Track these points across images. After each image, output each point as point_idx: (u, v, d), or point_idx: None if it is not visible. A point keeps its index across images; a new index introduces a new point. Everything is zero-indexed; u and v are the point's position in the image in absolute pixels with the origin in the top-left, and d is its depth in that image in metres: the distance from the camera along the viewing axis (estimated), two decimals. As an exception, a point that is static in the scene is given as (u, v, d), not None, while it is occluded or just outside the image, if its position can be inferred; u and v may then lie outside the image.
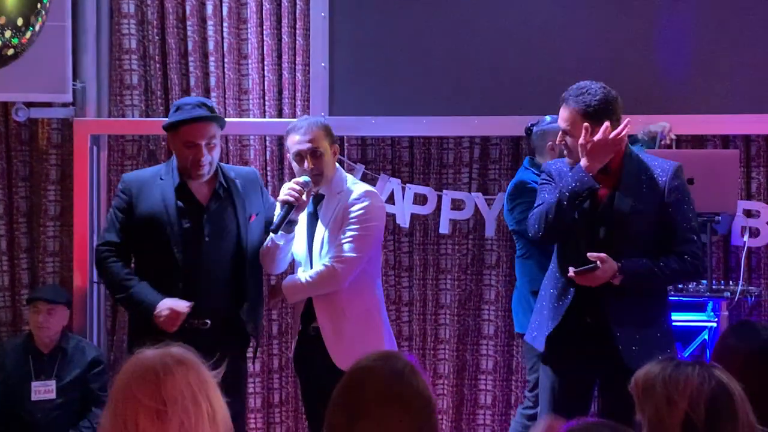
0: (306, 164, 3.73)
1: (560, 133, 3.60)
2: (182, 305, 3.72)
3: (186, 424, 2.01)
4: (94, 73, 5.28)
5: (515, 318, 4.54)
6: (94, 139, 5.25)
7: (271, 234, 3.75)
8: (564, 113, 3.53)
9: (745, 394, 2.21)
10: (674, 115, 4.84)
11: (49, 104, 5.29)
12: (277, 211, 3.78)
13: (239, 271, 3.86)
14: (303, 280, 3.79)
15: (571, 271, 3.42)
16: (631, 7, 4.97)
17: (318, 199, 3.82)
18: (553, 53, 4.96)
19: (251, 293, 3.91)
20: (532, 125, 4.44)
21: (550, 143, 4.26)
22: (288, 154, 3.89)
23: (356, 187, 3.82)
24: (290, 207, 3.66)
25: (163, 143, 5.31)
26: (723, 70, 4.89)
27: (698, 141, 5.03)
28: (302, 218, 3.83)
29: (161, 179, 3.88)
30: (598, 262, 3.39)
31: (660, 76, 4.91)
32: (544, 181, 3.68)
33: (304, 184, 3.69)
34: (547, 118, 4.37)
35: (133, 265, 3.96)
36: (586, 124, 3.45)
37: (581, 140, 3.44)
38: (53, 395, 4.76)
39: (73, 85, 5.19)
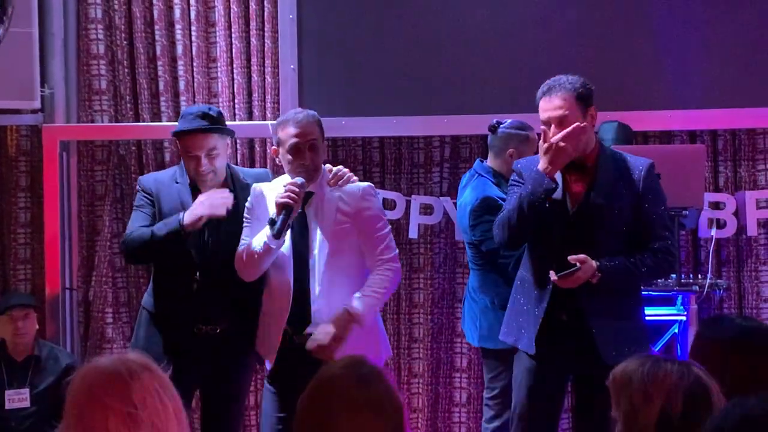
0: (304, 158, 3.59)
1: (552, 124, 3.55)
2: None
3: (157, 423, 2.02)
4: (62, 78, 5.26)
5: (477, 332, 4.32)
6: (64, 145, 5.23)
7: (266, 238, 3.54)
8: (556, 102, 3.48)
9: (727, 382, 2.23)
10: (641, 111, 4.91)
11: (17, 111, 5.26)
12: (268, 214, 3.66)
13: None
14: (375, 295, 3.57)
15: (553, 275, 3.44)
16: (598, 5, 5.01)
17: (306, 196, 3.66)
18: (522, 51, 5.00)
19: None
20: (498, 123, 4.35)
21: (511, 150, 4.24)
22: (275, 148, 3.68)
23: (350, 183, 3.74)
24: (290, 210, 3.51)
25: (133, 148, 5.30)
26: (688, 66, 4.94)
27: (665, 136, 5.08)
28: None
29: (177, 183, 3.89)
30: (578, 264, 3.41)
31: (626, 73, 4.95)
32: (514, 183, 3.69)
33: (301, 185, 3.56)
34: (507, 121, 4.35)
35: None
36: (543, 127, 3.48)
37: (541, 142, 3.46)
38: (27, 403, 4.74)
39: (42, 91, 5.17)
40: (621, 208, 3.51)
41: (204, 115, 3.83)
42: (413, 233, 5.13)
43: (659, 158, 4.08)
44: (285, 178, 3.73)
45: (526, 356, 3.64)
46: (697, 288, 4.14)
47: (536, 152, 4.27)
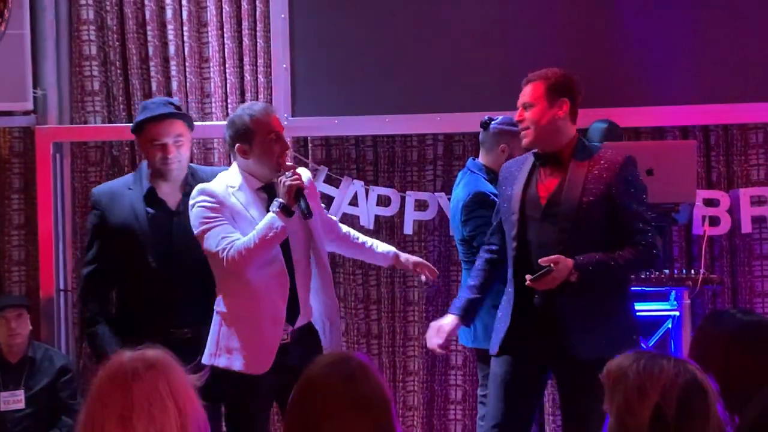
0: (286, 146, 3.63)
1: (519, 109, 3.61)
2: None
3: (150, 430, 2.01)
4: (54, 80, 5.26)
5: (471, 333, 4.31)
6: (57, 147, 5.23)
7: (280, 223, 3.46)
8: (527, 89, 3.60)
9: (729, 377, 2.24)
10: (633, 107, 4.92)
11: (10, 113, 5.26)
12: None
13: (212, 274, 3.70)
14: None
15: (528, 279, 3.45)
16: (589, 1, 5.02)
17: (269, 187, 3.63)
18: (513, 50, 5.00)
19: None
20: (490, 119, 4.37)
21: (503, 145, 4.26)
22: (246, 142, 3.59)
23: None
24: (302, 190, 3.51)
25: (126, 149, 5.30)
26: (680, 62, 4.95)
27: (658, 132, 5.09)
28: (252, 211, 3.58)
29: (130, 189, 3.83)
30: (552, 265, 3.40)
31: (618, 69, 4.96)
32: (495, 194, 3.75)
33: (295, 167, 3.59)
34: (499, 117, 4.37)
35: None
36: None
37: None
38: (22, 405, 4.74)
39: (34, 92, 5.17)
40: (593, 202, 3.49)
41: (168, 103, 3.84)
42: (408, 229, 5.14)
43: (651, 154, 4.11)
44: (228, 176, 3.65)
45: (501, 353, 3.68)
46: (690, 283, 4.14)
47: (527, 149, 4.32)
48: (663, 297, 4.27)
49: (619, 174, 3.51)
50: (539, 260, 3.41)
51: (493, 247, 3.74)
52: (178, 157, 3.77)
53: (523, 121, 3.59)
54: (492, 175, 4.26)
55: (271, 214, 3.50)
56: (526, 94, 3.60)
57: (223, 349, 3.61)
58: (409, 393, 5.26)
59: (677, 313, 4.18)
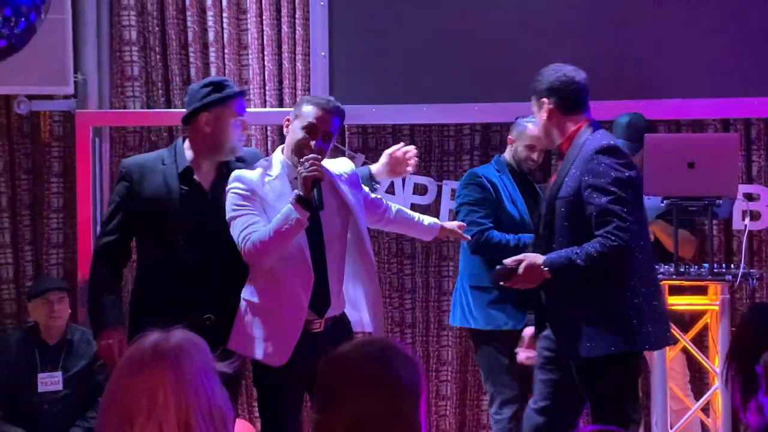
0: (314, 139, 3.57)
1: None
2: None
3: (183, 407, 1.97)
4: (95, 65, 5.30)
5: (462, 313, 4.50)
6: (96, 131, 5.27)
7: (297, 215, 3.43)
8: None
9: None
10: (674, 99, 4.87)
11: (50, 97, 5.30)
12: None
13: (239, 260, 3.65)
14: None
15: (499, 279, 3.57)
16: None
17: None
18: (553, 40, 4.96)
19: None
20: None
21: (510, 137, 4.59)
22: (292, 121, 3.67)
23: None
24: (319, 182, 3.47)
25: (165, 134, 5.32)
26: (722, 54, 4.90)
27: (699, 125, 5.04)
28: (284, 203, 3.55)
29: (164, 164, 3.74)
30: (514, 265, 3.49)
31: (660, 61, 4.92)
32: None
33: (317, 157, 3.52)
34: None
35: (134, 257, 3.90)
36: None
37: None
38: (60, 386, 4.79)
39: (75, 77, 5.21)
40: (564, 197, 3.51)
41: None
42: (444, 218, 5.12)
43: (692, 147, 4.07)
44: (269, 163, 3.66)
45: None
46: (729, 277, 4.10)
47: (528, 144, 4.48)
48: (702, 291, 4.24)
49: (587, 164, 3.48)
50: (504, 261, 3.54)
51: None
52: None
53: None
54: (501, 166, 4.52)
55: (288, 206, 3.47)
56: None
57: (247, 337, 3.61)
58: (442, 383, 5.26)
59: (716, 308, 4.14)
